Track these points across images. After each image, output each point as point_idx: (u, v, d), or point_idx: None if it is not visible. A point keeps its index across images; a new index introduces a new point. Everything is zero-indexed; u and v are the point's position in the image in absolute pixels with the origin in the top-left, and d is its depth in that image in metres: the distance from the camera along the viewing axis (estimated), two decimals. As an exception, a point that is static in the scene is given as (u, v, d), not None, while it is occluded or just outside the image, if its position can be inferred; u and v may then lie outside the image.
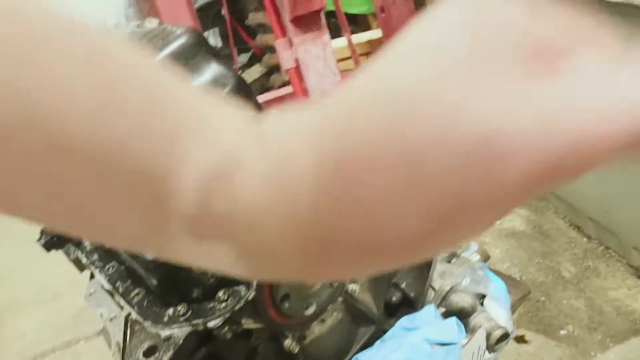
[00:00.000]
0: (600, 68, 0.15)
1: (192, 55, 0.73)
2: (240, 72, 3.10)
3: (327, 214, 0.17)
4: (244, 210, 0.18)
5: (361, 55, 2.21)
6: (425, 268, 0.84)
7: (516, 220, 1.47)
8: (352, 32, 1.99)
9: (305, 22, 1.51)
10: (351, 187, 0.16)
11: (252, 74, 3.25)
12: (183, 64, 0.73)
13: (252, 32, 3.23)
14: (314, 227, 0.18)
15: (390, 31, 1.80)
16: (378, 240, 0.17)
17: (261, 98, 2.01)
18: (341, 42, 2.10)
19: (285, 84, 2.86)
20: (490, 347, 0.80)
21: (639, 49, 0.16)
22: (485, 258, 0.95)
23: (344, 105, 0.17)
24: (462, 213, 0.16)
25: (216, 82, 0.73)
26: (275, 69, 3.04)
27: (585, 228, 1.35)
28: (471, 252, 0.94)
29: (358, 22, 2.75)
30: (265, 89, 3.22)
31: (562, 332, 1.09)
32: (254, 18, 3.07)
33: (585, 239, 1.33)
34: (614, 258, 1.25)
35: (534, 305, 1.15)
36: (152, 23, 0.82)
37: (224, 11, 3.33)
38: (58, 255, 0.73)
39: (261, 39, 3.07)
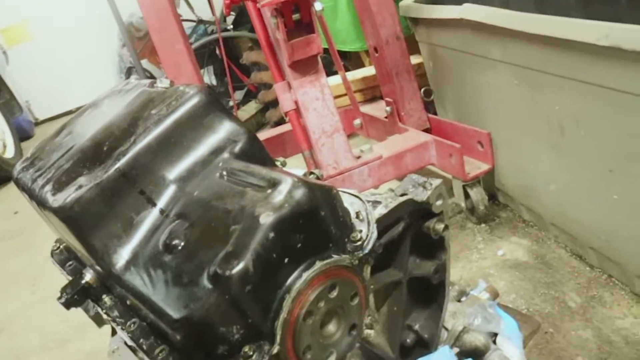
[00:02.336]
0: None
1: (205, 114, 0.75)
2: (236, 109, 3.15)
3: None
4: None
5: (356, 92, 2.26)
6: (437, 309, 0.86)
7: (518, 250, 1.49)
8: (345, 69, 2.04)
9: (303, 66, 1.55)
10: None
11: (248, 111, 3.30)
12: (197, 123, 0.76)
13: (246, 70, 3.29)
14: None
15: (384, 70, 1.84)
16: None
17: (261, 136, 2.04)
18: (335, 79, 2.13)
19: (280, 119, 2.91)
20: (506, 386, 0.81)
21: None
22: (495, 296, 0.96)
23: None
24: None
25: (229, 139, 0.76)
26: (270, 105, 3.09)
27: (587, 257, 1.36)
28: (480, 290, 0.96)
29: (350, 58, 2.80)
30: (261, 124, 3.27)
31: (573, 364, 1.10)
32: (247, 57, 3.14)
33: (588, 268, 1.35)
34: (617, 286, 1.26)
35: (543, 338, 1.16)
36: (164, 83, 0.86)
37: (219, 51, 3.41)
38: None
39: (255, 76, 3.13)
